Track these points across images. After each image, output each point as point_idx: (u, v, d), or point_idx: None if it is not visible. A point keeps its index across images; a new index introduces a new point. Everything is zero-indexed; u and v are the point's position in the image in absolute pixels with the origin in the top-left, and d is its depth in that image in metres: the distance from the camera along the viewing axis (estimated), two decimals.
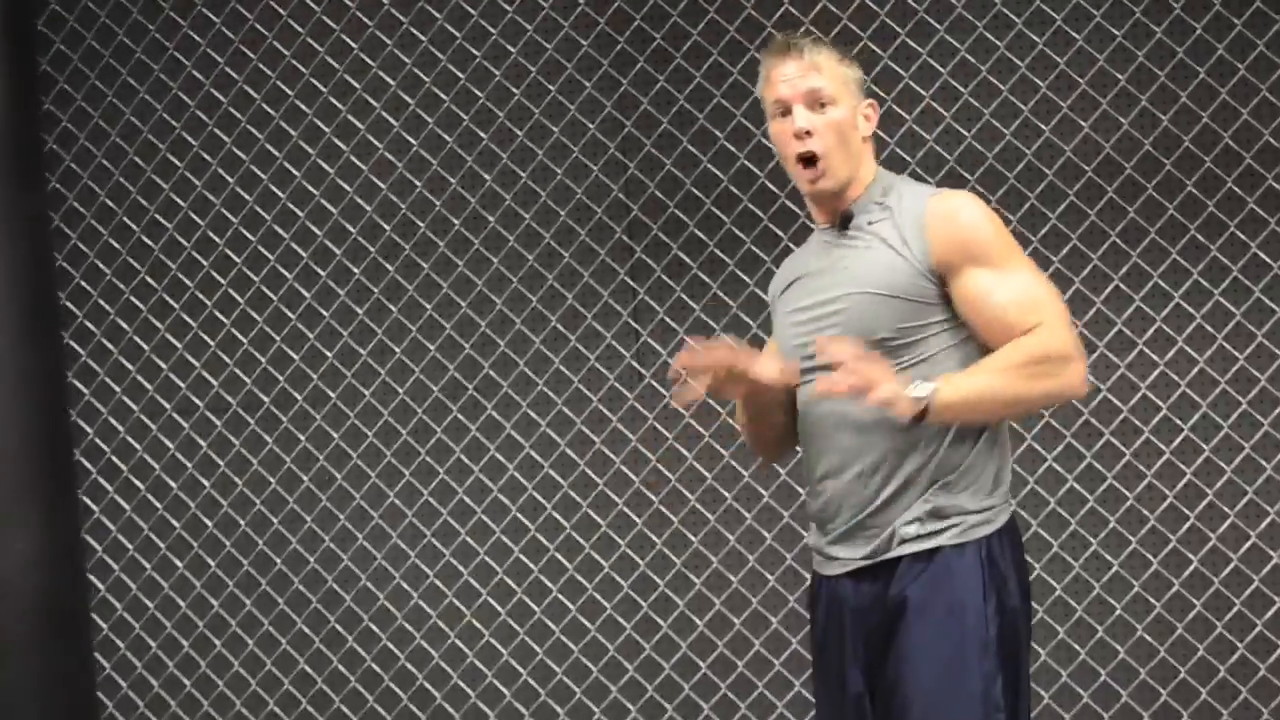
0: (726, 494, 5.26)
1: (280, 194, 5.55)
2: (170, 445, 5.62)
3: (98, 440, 5.65)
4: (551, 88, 5.39)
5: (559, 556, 5.38)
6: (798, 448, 3.52)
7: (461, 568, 5.43)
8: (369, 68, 5.50)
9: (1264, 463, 4.97)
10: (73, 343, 5.65)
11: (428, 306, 5.46)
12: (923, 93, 5.15)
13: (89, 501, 5.63)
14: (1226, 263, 4.99)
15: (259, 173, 5.57)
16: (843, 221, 3.41)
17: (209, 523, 5.59)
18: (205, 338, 5.60)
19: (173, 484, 5.61)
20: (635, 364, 5.36)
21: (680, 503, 5.30)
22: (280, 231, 5.55)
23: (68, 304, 5.66)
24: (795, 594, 5.17)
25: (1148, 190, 5.02)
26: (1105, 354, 5.02)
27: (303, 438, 5.54)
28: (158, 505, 5.62)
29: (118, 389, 5.65)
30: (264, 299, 5.57)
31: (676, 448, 5.30)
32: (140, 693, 5.64)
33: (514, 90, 5.42)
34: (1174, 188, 5.01)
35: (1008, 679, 3.27)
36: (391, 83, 5.49)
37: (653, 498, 5.32)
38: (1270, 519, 4.97)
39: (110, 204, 5.68)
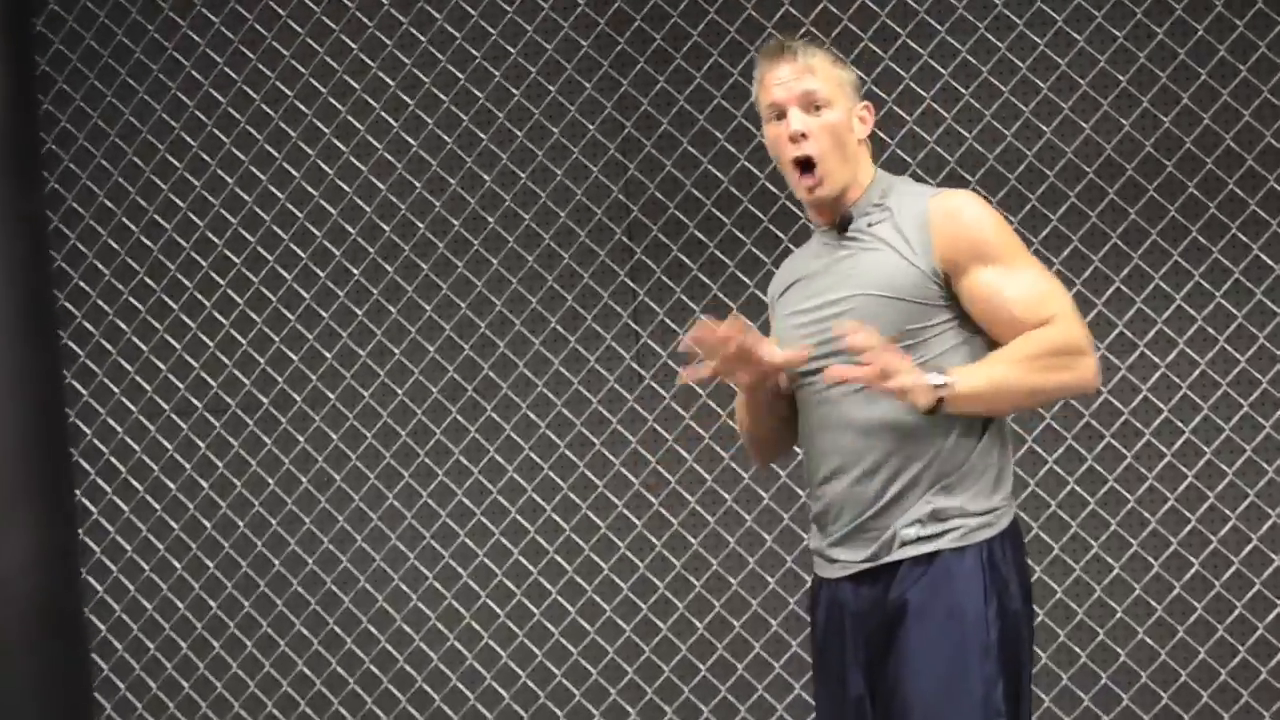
0: (726, 496, 5.26)
1: (279, 194, 5.55)
2: (169, 446, 5.61)
3: (96, 441, 5.65)
4: (551, 88, 5.39)
5: (558, 558, 5.37)
6: (796, 448, 3.52)
7: (460, 569, 5.42)
8: (368, 68, 5.50)
9: (1265, 465, 4.96)
10: (71, 343, 5.65)
11: (427, 307, 5.45)
12: (923, 94, 5.14)
13: (87, 502, 5.62)
14: (1228, 264, 4.98)
15: (258, 173, 5.56)
16: (842, 224, 3.39)
17: (207, 524, 5.58)
18: (204, 338, 5.59)
19: (171, 485, 5.60)
20: (635, 365, 5.35)
21: (680, 504, 5.29)
22: (279, 232, 5.55)
23: (66, 304, 5.65)
24: (795, 596, 5.16)
25: (1149, 192, 5.01)
26: (1106, 356, 5.01)
27: (301, 439, 5.53)
28: (156, 506, 5.61)
29: (116, 389, 5.65)
30: (263, 299, 5.56)
31: (676, 449, 5.29)
32: (138, 694, 5.63)
33: (514, 91, 5.41)
34: (1175, 189, 5.00)
35: (1009, 683, 3.26)
36: (391, 83, 5.48)
37: (652, 499, 5.31)
38: (1271, 521, 4.96)
39: (109, 204, 5.67)
